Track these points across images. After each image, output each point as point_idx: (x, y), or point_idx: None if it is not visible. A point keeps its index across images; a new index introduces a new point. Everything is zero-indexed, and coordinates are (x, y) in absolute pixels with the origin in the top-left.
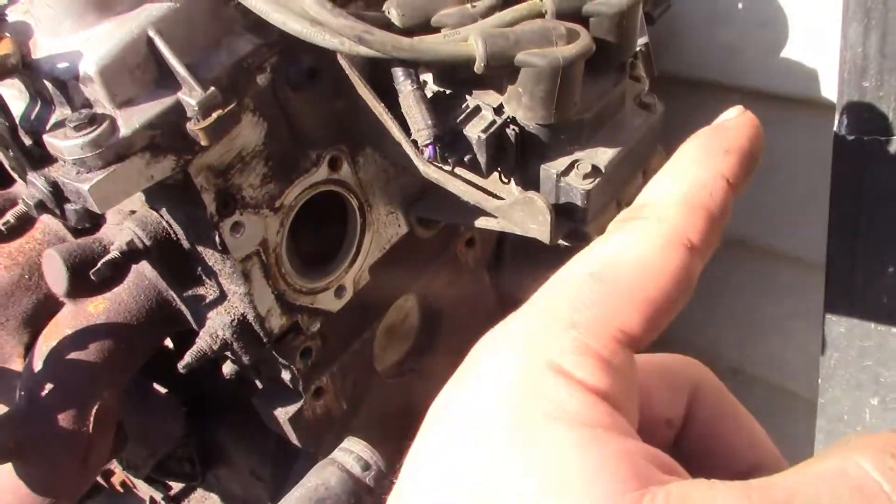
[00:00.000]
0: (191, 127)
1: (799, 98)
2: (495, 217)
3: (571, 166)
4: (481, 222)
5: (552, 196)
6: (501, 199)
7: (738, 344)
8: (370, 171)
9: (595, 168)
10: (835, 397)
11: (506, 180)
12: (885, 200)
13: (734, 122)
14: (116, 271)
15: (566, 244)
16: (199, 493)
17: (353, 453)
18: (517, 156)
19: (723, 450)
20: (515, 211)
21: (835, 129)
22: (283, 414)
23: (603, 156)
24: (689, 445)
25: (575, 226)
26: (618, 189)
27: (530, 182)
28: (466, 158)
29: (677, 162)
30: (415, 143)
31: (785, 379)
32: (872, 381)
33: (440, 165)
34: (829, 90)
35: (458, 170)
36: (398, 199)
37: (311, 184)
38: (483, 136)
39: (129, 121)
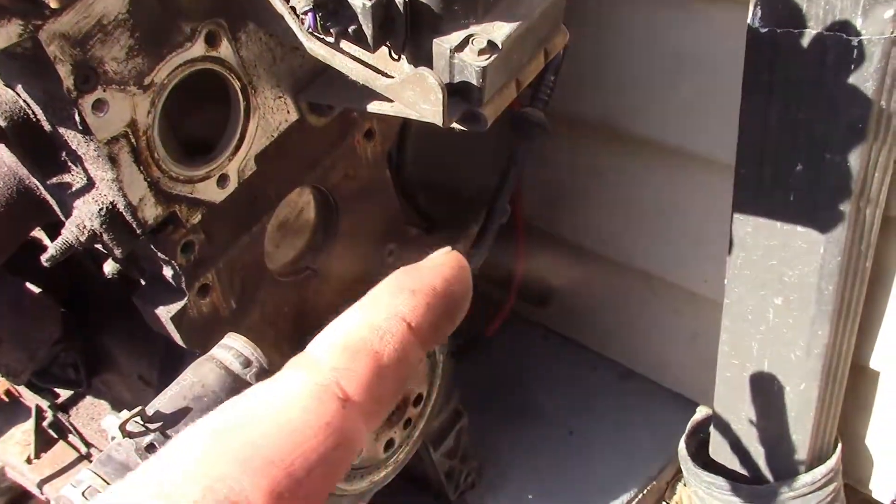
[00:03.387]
0: None
1: None
2: (390, 101)
3: (466, 41)
4: (375, 107)
5: (446, 74)
6: (391, 77)
7: (647, 248)
8: (254, 49)
9: (491, 44)
10: (740, 297)
11: (396, 57)
12: (796, 95)
13: (432, 262)
14: None
15: (461, 128)
16: (89, 400)
17: (232, 349)
18: (407, 28)
19: None
20: (406, 90)
21: (748, 20)
22: (164, 312)
23: (500, 30)
24: None
25: (470, 107)
26: (516, 68)
27: (423, 59)
28: (351, 30)
29: (355, 305)
30: (294, 10)
31: (694, 282)
32: (776, 281)
33: (323, 38)
34: None
35: (344, 45)
36: (287, 83)
37: (185, 60)
38: (368, 3)
39: None
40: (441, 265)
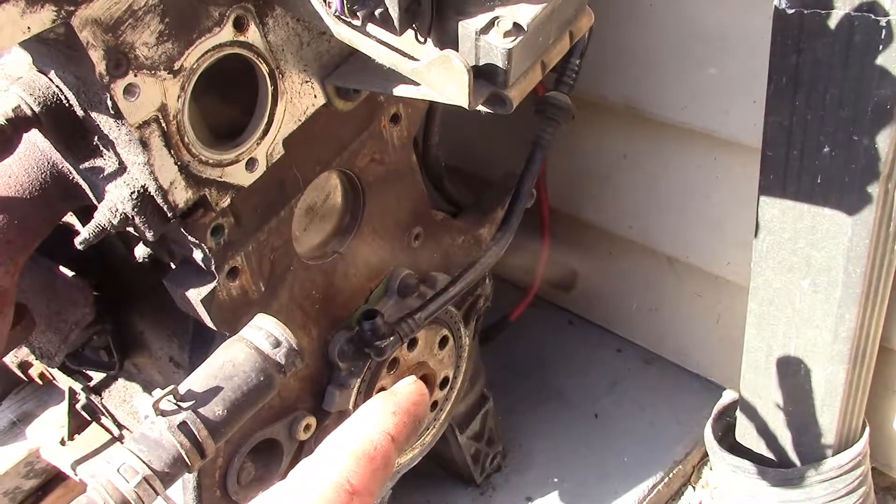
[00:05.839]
0: None
1: None
2: (416, 85)
3: (492, 23)
4: (401, 90)
5: (471, 56)
6: (417, 60)
7: (672, 232)
8: (281, 34)
9: (517, 25)
10: (766, 280)
11: (422, 39)
12: (823, 77)
13: (405, 389)
14: (3, 141)
15: (486, 111)
16: (121, 383)
17: (262, 330)
18: (432, 10)
19: None
20: (432, 72)
21: (775, 2)
22: (195, 295)
23: (526, 12)
24: None
25: (496, 89)
26: (542, 50)
27: (448, 41)
28: (377, 12)
29: (353, 418)
30: None
31: (720, 265)
32: (803, 264)
33: (350, 21)
34: None
35: (371, 29)
36: (314, 67)
37: (214, 45)
38: None
39: None
40: (411, 392)
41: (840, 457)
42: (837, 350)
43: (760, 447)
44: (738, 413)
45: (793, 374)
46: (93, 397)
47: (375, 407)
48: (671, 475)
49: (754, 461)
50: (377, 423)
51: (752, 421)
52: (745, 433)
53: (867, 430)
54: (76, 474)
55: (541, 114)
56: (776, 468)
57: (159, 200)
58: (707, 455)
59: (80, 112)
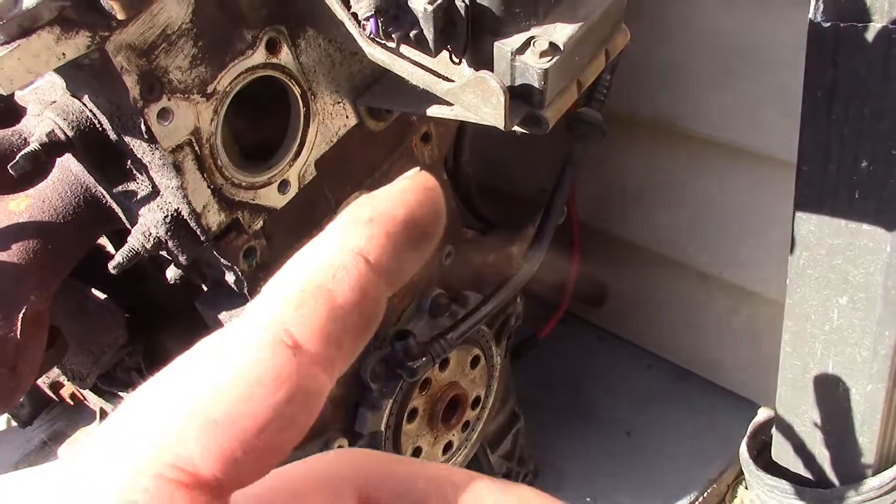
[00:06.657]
0: None
1: None
2: (450, 105)
3: (527, 43)
4: (434, 110)
5: (507, 77)
6: (452, 81)
7: (705, 247)
8: (313, 55)
9: (553, 45)
10: (803, 297)
11: (456, 60)
12: (860, 91)
13: (395, 187)
14: (37, 165)
15: (522, 131)
16: None
17: None
18: (468, 32)
19: None
20: (467, 94)
21: (810, 15)
22: (227, 318)
23: (562, 32)
24: None
25: (532, 110)
26: (578, 69)
27: (483, 62)
28: (412, 34)
29: (308, 244)
30: (355, 16)
31: (754, 281)
32: (841, 280)
33: (384, 43)
34: None
35: (405, 50)
36: (346, 88)
37: (246, 68)
38: (429, 7)
39: None
40: (403, 190)
41: (880, 476)
42: (877, 368)
43: (798, 466)
44: (774, 431)
45: (830, 392)
46: None
47: (342, 217)
48: (706, 494)
49: (791, 481)
50: (340, 239)
51: (789, 439)
52: (782, 452)
53: None
54: None
55: (572, 130)
56: (814, 488)
57: (192, 224)
58: (742, 474)
59: (113, 136)
